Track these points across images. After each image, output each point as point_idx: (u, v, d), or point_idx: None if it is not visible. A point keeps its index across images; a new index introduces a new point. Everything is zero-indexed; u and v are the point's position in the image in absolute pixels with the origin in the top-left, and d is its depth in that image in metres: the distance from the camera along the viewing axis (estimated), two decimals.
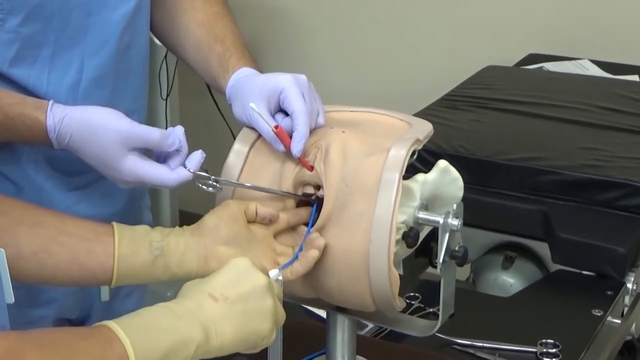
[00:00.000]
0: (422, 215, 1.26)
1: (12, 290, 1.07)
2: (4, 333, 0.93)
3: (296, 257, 1.23)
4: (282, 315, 1.13)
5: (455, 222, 1.25)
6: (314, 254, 1.21)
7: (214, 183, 1.26)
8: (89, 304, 1.55)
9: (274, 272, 1.17)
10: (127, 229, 1.22)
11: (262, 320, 1.09)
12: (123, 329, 0.99)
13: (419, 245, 1.27)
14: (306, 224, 1.27)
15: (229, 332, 1.06)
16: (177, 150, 1.26)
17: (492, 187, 1.98)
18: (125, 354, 0.98)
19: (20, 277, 1.18)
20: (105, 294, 1.55)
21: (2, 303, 1.04)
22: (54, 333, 0.99)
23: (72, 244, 1.18)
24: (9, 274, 1.05)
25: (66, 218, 1.22)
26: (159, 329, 1.02)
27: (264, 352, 1.17)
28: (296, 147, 1.26)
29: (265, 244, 1.25)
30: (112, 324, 1.00)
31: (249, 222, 1.25)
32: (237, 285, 1.08)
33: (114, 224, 1.22)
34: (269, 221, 1.26)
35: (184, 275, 1.21)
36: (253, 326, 1.08)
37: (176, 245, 1.21)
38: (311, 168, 1.26)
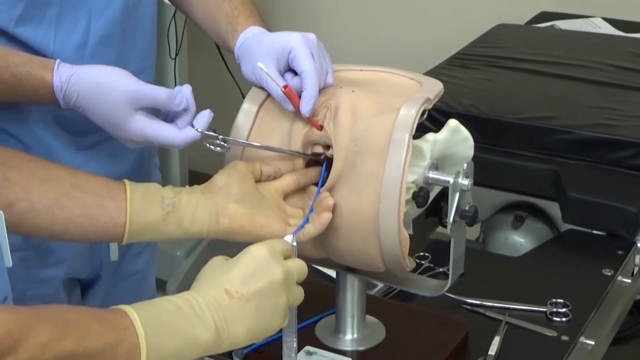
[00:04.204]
0: (433, 175, 1.25)
1: (10, 253, 1.06)
2: (16, 308, 0.93)
3: (307, 219, 1.22)
4: (298, 299, 1.13)
5: (465, 182, 1.24)
6: (327, 216, 1.21)
7: (222, 143, 1.26)
8: (98, 263, 1.55)
9: (288, 239, 1.16)
10: (139, 186, 1.21)
11: (274, 318, 1.09)
12: (141, 319, 0.98)
13: (429, 205, 1.27)
14: (316, 184, 1.26)
15: (241, 333, 1.07)
16: (185, 110, 1.25)
17: (503, 146, 1.97)
18: (137, 346, 0.98)
19: (32, 231, 1.18)
20: (114, 253, 1.55)
21: (1, 266, 1.04)
22: (68, 312, 0.97)
23: (84, 199, 1.18)
24: (7, 238, 1.05)
25: (78, 173, 1.22)
26: (173, 325, 1.02)
27: None
28: (305, 107, 1.25)
29: (274, 205, 1.25)
30: (130, 310, 0.99)
31: (256, 181, 1.24)
32: (253, 280, 1.08)
33: (126, 180, 1.22)
34: (273, 178, 1.26)
35: (195, 232, 1.21)
36: (265, 323, 1.09)
37: (188, 202, 1.20)
38: (320, 128, 1.26)
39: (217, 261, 1.11)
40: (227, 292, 1.06)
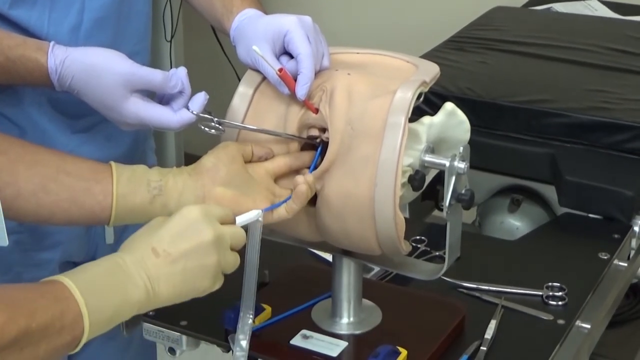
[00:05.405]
0: (429, 158, 1.25)
1: (5, 233, 1.06)
2: None
3: (290, 198, 1.22)
4: (232, 265, 1.13)
5: (461, 165, 1.24)
6: (302, 188, 1.21)
7: (218, 125, 1.25)
8: (94, 247, 1.55)
9: (254, 212, 1.16)
10: (126, 169, 1.21)
11: (202, 278, 1.09)
12: (78, 287, 1.00)
13: (425, 189, 1.27)
14: (309, 168, 1.26)
15: (165, 291, 1.07)
16: (180, 92, 1.25)
17: (499, 129, 1.96)
18: (79, 314, 0.99)
19: (19, 217, 1.18)
20: (110, 236, 1.55)
21: None
22: (14, 291, 0.99)
23: (70, 183, 1.18)
24: (3, 216, 1.05)
25: (65, 157, 1.21)
26: (107, 288, 1.03)
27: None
28: (301, 90, 1.25)
29: (263, 187, 1.24)
30: (66, 280, 1.01)
31: (247, 162, 1.24)
32: (181, 240, 1.08)
33: (112, 163, 1.21)
34: (265, 159, 1.26)
35: None
36: (191, 284, 1.09)
37: (174, 185, 1.20)
38: (316, 111, 1.25)
39: (155, 221, 1.12)
40: (153, 251, 1.07)
